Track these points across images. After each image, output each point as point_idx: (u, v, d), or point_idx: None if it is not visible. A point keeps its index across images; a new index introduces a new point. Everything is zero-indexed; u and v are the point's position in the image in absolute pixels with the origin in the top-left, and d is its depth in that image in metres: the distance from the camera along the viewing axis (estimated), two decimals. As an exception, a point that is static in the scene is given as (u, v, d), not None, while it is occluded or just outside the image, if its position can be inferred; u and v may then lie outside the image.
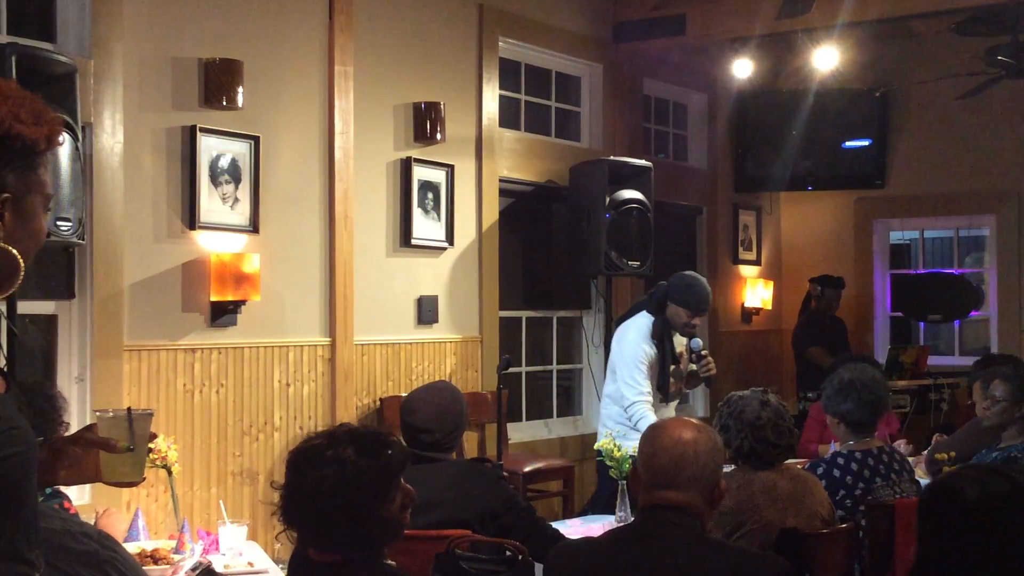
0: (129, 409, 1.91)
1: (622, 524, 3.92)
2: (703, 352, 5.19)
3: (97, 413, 1.93)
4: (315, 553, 2.32)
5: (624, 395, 5.10)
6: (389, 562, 2.35)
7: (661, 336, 5.11)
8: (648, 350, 5.09)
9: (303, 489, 2.21)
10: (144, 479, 1.94)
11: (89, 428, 1.88)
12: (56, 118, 1.62)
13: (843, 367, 4.32)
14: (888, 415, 5.91)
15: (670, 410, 5.29)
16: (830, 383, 4.14)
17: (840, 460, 3.87)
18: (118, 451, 1.83)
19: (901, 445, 5.31)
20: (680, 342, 5.27)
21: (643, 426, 4.90)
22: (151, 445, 1.96)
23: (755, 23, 6.88)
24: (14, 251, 1.57)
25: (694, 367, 5.26)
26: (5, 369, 1.64)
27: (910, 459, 5.06)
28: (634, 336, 5.14)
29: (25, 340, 4.42)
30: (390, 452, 2.24)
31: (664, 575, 2.38)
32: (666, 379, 5.14)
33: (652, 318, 5.14)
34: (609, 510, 4.43)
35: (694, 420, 2.61)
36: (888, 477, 3.86)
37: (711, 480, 2.48)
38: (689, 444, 2.48)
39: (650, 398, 5.06)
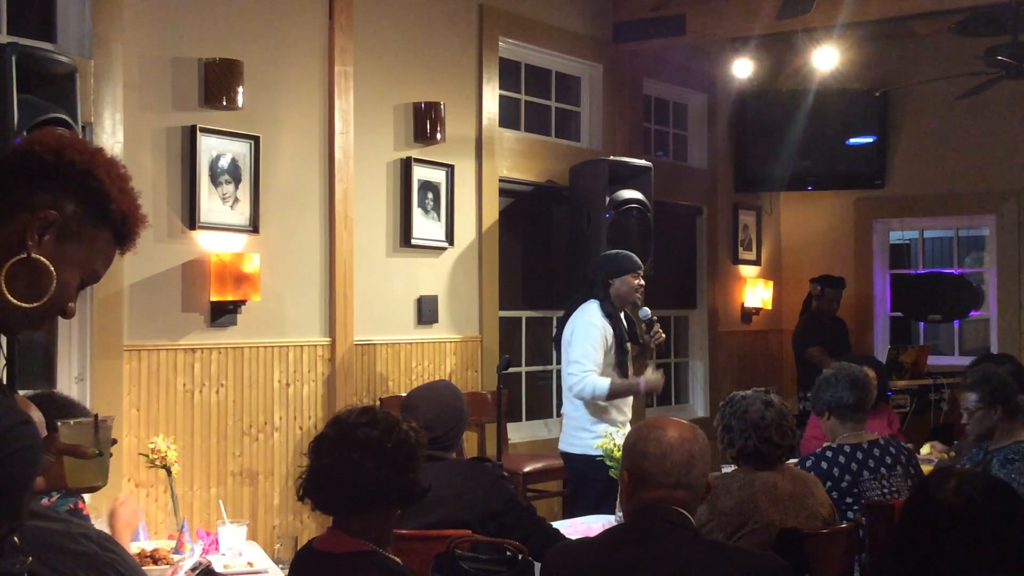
0: (96, 416, 1.94)
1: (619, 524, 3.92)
2: (653, 319, 5.27)
3: (59, 422, 1.96)
4: (324, 543, 2.41)
5: (571, 371, 5.07)
6: (394, 558, 2.38)
7: (612, 313, 5.15)
8: (602, 325, 5.11)
9: (348, 443, 2.38)
10: (107, 483, 1.97)
11: (51, 438, 1.89)
12: (142, 212, 1.67)
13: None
14: (890, 414, 5.92)
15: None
16: (814, 385, 4.18)
17: (828, 453, 3.90)
18: (88, 457, 1.86)
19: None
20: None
21: (599, 392, 4.99)
22: (151, 445, 1.98)
23: (755, 23, 6.88)
24: (46, 261, 1.57)
25: (642, 344, 5.31)
26: (5, 372, 1.65)
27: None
28: (586, 316, 5.16)
29: (25, 339, 4.42)
30: (415, 426, 2.50)
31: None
32: (624, 355, 5.14)
33: (599, 301, 5.18)
34: (596, 512, 4.44)
35: (678, 419, 2.62)
36: (877, 471, 3.87)
37: (702, 476, 2.50)
38: (676, 443, 2.49)
39: (597, 370, 5.04)
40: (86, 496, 2.92)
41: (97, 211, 1.61)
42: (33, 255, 1.56)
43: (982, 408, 4.50)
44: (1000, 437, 4.44)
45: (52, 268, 1.58)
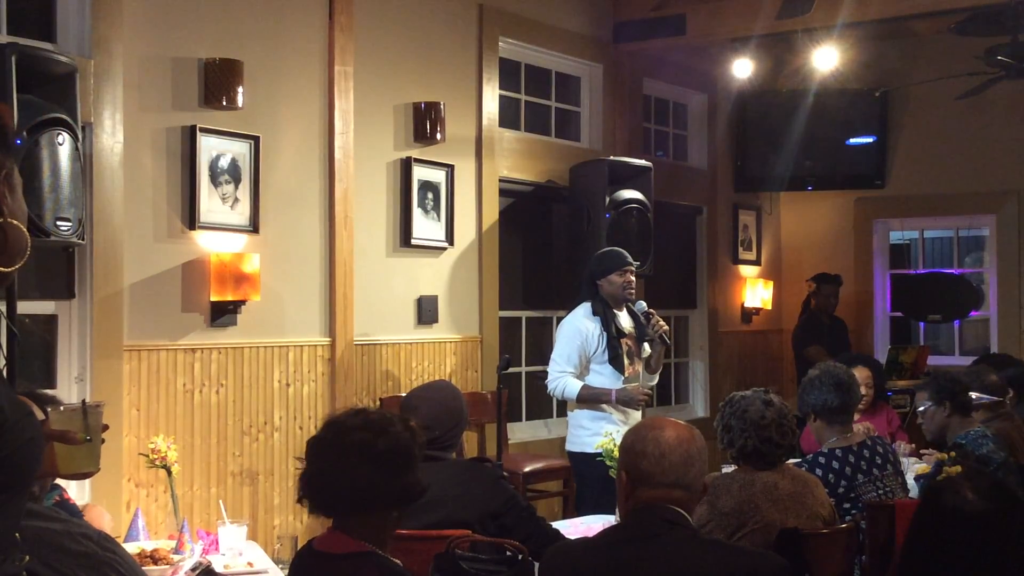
0: (84, 401, 1.93)
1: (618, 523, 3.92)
2: (649, 312, 5.34)
3: (48, 408, 1.95)
4: (324, 543, 2.41)
5: (549, 370, 5.30)
6: (394, 559, 2.38)
7: (603, 312, 5.24)
8: (589, 325, 5.23)
9: (342, 446, 2.36)
10: (99, 469, 1.96)
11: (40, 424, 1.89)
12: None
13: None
14: (889, 413, 5.92)
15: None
16: (800, 386, 4.16)
17: (821, 459, 3.88)
18: (76, 442, 1.86)
19: (902, 445, 5.31)
20: (628, 326, 5.36)
21: (569, 393, 5.15)
22: (151, 445, 1.98)
23: (755, 23, 6.88)
24: (22, 226, 1.59)
25: (648, 350, 5.38)
26: (4, 371, 1.65)
27: (911, 459, 5.07)
28: (572, 317, 5.33)
29: (25, 339, 4.42)
30: (412, 424, 2.48)
31: (663, 575, 2.38)
32: (615, 351, 5.21)
33: (590, 303, 5.30)
34: (597, 510, 4.44)
35: (675, 420, 2.63)
36: (870, 473, 3.86)
37: (699, 476, 2.51)
38: (674, 442, 2.50)
39: (574, 371, 5.21)
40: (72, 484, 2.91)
41: (7, 136, 1.62)
42: (9, 220, 1.56)
43: (931, 406, 4.54)
44: (954, 435, 4.45)
45: (25, 230, 1.59)
